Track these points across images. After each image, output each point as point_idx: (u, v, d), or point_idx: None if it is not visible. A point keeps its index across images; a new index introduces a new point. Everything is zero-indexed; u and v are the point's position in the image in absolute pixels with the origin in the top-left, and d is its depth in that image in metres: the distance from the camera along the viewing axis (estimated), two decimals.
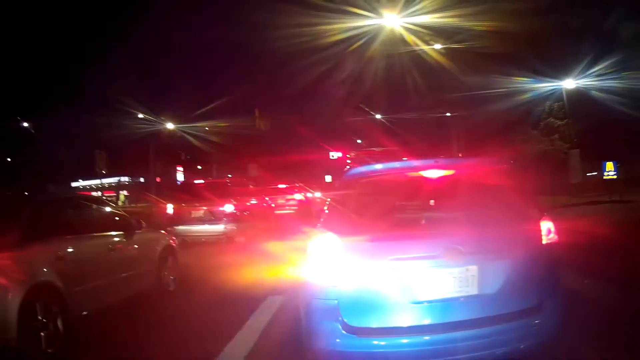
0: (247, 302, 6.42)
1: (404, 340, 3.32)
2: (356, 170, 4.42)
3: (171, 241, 7.94)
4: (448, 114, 26.86)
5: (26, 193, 6.31)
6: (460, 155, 22.70)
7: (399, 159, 4.48)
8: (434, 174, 3.98)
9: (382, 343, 3.34)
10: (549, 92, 24.99)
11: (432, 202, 4.13)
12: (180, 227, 13.10)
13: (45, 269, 5.02)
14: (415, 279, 3.36)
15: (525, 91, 24.00)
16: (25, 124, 37.88)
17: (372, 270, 3.40)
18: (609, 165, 20.03)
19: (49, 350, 4.74)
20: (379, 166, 4.51)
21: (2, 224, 5.13)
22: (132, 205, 42.62)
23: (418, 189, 4.02)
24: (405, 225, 3.90)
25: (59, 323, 4.94)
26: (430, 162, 4.06)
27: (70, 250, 5.47)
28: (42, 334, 4.70)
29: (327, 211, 4.17)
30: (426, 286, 3.35)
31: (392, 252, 3.41)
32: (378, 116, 36.26)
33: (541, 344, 3.50)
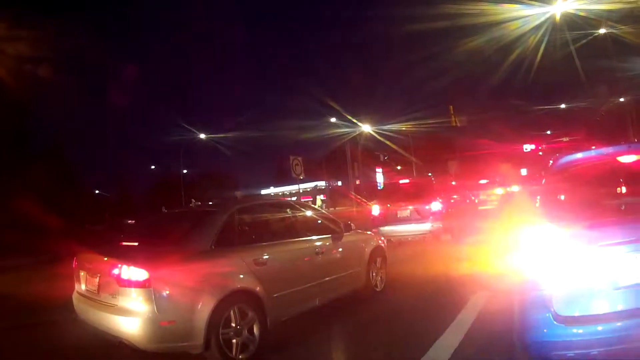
0: (454, 299, 6.40)
1: (607, 327, 3.29)
2: (563, 160, 4.51)
3: (380, 242, 7.97)
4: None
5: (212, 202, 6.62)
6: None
7: (586, 148, 4.50)
8: (629, 159, 4.00)
9: (586, 331, 3.33)
10: None
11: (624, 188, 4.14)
12: (386, 228, 13.26)
13: (242, 276, 5.05)
14: (618, 265, 3.34)
15: None
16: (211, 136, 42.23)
17: (582, 257, 3.41)
18: None
19: (240, 357, 4.76)
20: (579, 155, 4.50)
21: (197, 232, 5.22)
22: (331, 209, 44.04)
23: (615, 174, 4.11)
24: (609, 211, 3.91)
25: (255, 329, 4.96)
26: (624, 147, 4.08)
27: (269, 256, 5.46)
28: (234, 340, 4.76)
29: (538, 200, 4.24)
30: (627, 271, 3.33)
31: (601, 238, 3.40)
32: (562, 106, 39.30)
33: None
